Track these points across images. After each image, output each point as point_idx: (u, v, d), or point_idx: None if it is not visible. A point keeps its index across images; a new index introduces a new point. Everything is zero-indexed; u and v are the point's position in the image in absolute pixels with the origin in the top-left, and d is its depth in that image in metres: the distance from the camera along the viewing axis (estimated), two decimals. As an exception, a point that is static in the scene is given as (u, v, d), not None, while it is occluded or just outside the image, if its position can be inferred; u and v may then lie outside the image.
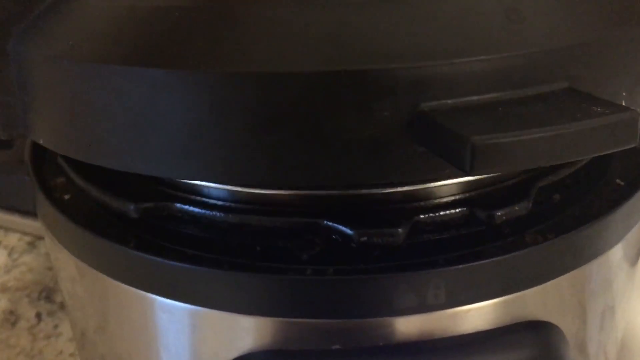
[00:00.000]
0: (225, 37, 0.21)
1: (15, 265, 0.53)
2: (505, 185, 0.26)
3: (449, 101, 0.20)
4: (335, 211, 0.25)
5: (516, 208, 0.25)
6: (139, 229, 0.26)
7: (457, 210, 0.25)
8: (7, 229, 0.57)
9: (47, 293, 0.50)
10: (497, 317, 0.25)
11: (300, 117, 0.20)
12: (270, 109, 0.20)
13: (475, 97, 0.20)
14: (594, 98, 0.21)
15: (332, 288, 0.23)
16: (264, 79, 0.20)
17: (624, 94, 0.23)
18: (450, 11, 0.21)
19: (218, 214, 0.25)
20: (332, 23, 0.21)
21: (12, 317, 0.48)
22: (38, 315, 0.48)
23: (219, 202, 0.26)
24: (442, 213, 0.25)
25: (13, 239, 0.56)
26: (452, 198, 0.25)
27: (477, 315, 0.24)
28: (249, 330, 0.24)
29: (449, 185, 0.25)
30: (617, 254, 0.28)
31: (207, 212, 0.25)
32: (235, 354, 0.25)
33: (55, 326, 0.47)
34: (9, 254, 0.54)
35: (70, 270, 0.29)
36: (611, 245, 0.27)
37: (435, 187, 0.25)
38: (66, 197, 0.29)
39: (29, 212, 0.53)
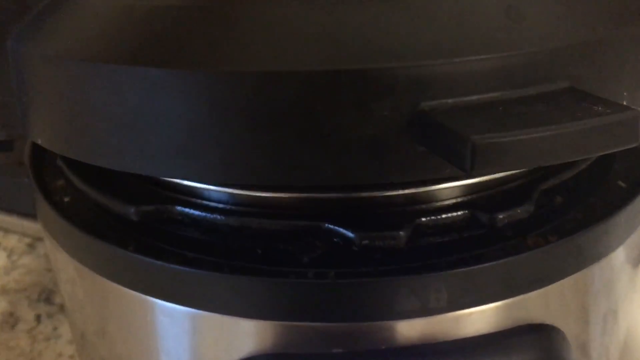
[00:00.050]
0: (223, 36, 0.21)
1: (14, 267, 0.53)
2: (507, 188, 0.26)
3: (449, 100, 0.20)
4: (337, 214, 0.24)
5: (518, 211, 0.25)
6: (139, 232, 0.26)
7: (459, 213, 0.25)
8: (7, 231, 0.56)
9: (46, 295, 0.50)
10: (499, 321, 0.25)
11: (299, 116, 0.20)
12: (269, 108, 0.20)
13: (475, 97, 0.20)
14: (595, 97, 0.21)
15: (333, 291, 0.23)
16: (263, 78, 0.20)
17: (625, 93, 0.23)
18: (451, 10, 0.21)
19: (218, 216, 0.25)
20: (331, 22, 0.21)
21: (12, 319, 0.48)
22: (37, 317, 0.48)
23: (220, 205, 0.26)
24: (443, 216, 0.25)
25: (12, 240, 0.56)
26: (454, 201, 0.25)
27: (479, 318, 0.24)
28: (249, 333, 0.24)
29: (450, 188, 0.25)
30: (619, 256, 0.27)
31: (208, 215, 0.25)
32: (236, 358, 0.25)
33: (55, 328, 0.47)
34: (9, 256, 0.54)
35: (70, 272, 0.29)
36: (613, 247, 0.27)
37: (436, 189, 0.25)
38: (66, 199, 0.29)
39: (29, 214, 0.53)
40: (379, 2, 0.21)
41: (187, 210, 0.26)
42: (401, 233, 0.24)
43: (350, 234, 0.24)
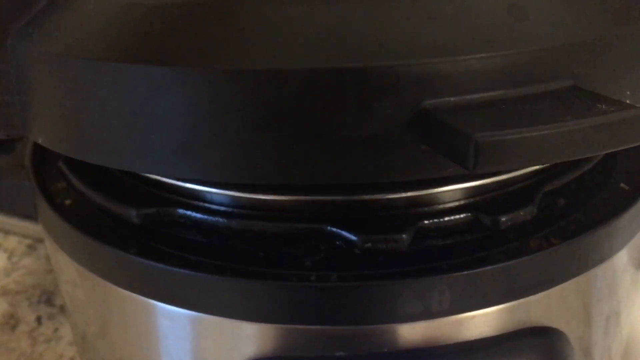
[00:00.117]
0: (225, 34, 0.21)
1: (15, 268, 0.53)
2: (510, 190, 0.26)
3: (452, 99, 0.20)
4: (339, 217, 0.24)
5: (521, 213, 0.25)
6: (141, 235, 0.26)
7: (462, 215, 0.25)
8: (7, 232, 0.56)
9: (47, 296, 0.50)
10: (502, 323, 0.25)
11: (300, 115, 0.20)
12: (270, 106, 0.20)
13: (478, 95, 0.20)
14: (599, 96, 0.21)
15: (335, 294, 0.23)
16: (264, 76, 0.20)
17: (628, 92, 0.23)
18: (453, 8, 0.21)
19: (220, 219, 0.25)
20: (333, 20, 0.21)
21: (12, 321, 0.48)
22: (38, 319, 0.48)
23: (222, 208, 0.26)
24: (446, 218, 0.25)
25: (13, 241, 0.56)
26: (457, 203, 0.25)
27: (481, 321, 0.24)
28: (251, 337, 0.24)
29: (453, 190, 0.25)
30: (622, 258, 0.27)
31: (210, 217, 0.25)
32: (238, 361, 0.25)
33: (56, 330, 0.47)
34: (9, 257, 0.54)
35: (71, 275, 0.29)
36: (616, 250, 0.27)
37: (439, 192, 0.25)
38: (67, 202, 0.29)
39: (29, 215, 0.53)
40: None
41: (188, 212, 0.26)
42: (404, 236, 0.23)
43: (352, 237, 0.24)
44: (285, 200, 0.25)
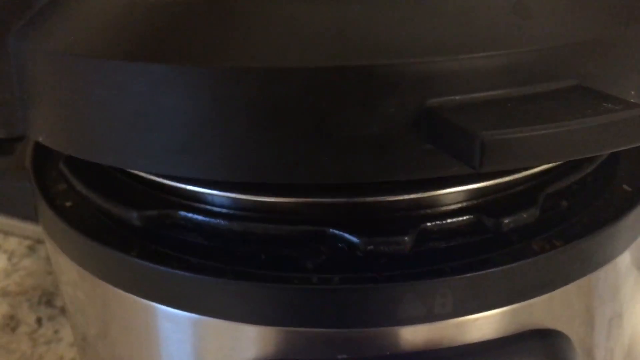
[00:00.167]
0: (228, 31, 0.21)
1: (15, 270, 0.53)
2: (513, 192, 0.26)
3: (456, 97, 0.20)
4: (341, 219, 0.24)
5: (524, 215, 0.25)
6: (142, 237, 0.26)
7: (464, 217, 0.25)
8: (7, 233, 0.56)
9: (47, 298, 0.50)
10: (505, 326, 0.24)
11: (303, 113, 0.20)
12: (273, 105, 0.20)
13: (482, 94, 0.20)
14: (604, 95, 0.20)
15: (338, 297, 0.23)
16: (267, 74, 0.20)
17: (632, 92, 0.23)
18: (458, 6, 0.21)
19: (222, 222, 0.25)
20: (336, 18, 0.21)
21: (13, 322, 0.48)
22: (38, 320, 0.48)
23: (223, 210, 0.26)
24: (449, 221, 0.25)
25: (13, 242, 0.56)
26: (459, 205, 0.25)
27: (484, 324, 0.24)
28: (253, 339, 0.24)
29: (455, 192, 0.25)
30: (625, 260, 0.27)
31: (211, 220, 0.25)
32: (239, 364, 0.25)
33: (56, 331, 0.47)
34: (9, 258, 0.54)
35: (71, 276, 0.29)
36: (619, 251, 0.27)
37: (441, 194, 0.25)
38: (68, 204, 0.29)
39: (29, 216, 0.53)
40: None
41: (190, 215, 0.25)
42: (406, 238, 0.23)
43: (354, 239, 0.24)
44: (286, 203, 0.25)
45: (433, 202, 0.25)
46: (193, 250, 0.25)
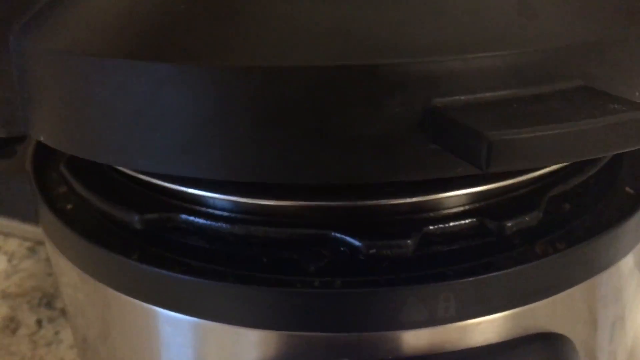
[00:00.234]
0: (231, 30, 0.21)
1: (15, 271, 0.53)
2: (515, 195, 0.26)
3: (462, 97, 0.20)
4: (343, 222, 0.24)
5: (527, 218, 0.24)
6: (143, 241, 0.26)
7: (467, 221, 0.25)
8: (7, 235, 0.56)
9: (47, 299, 0.50)
10: (508, 330, 0.24)
11: (307, 112, 0.20)
12: (277, 104, 0.20)
13: (488, 94, 0.20)
14: (610, 95, 0.20)
15: (339, 301, 0.23)
16: (271, 73, 0.20)
17: (637, 94, 0.23)
18: (463, 5, 0.21)
19: (223, 225, 0.25)
20: (341, 16, 0.20)
21: (13, 324, 0.47)
22: (39, 322, 0.48)
23: (225, 213, 0.25)
24: (451, 224, 0.24)
25: (13, 244, 0.55)
26: (462, 208, 0.25)
27: (487, 327, 0.24)
28: (254, 343, 0.24)
29: (458, 195, 0.25)
30: (628, 263, 0.27)
31: (213, 223, 0.25)
32: (241, 368, 0.25)
33: (56, 333, 0.47)
34: (9, 260, 0.54)
35: (72, 279, 0.29)
36: (622, 254, 0.27)
37: (444, 197, 0.25)
38: (68, 207, 0.29)
39: (29, 218, 0.53)
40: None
41: (191, 218, 0.25)
42: (409, 241, 0.23)
43: (357, 243, 0.23)
44: (288, 206, 0.25)
45: (435, 205, 0.25)
46: (194, 254, 0.25)
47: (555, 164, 0.19)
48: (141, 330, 0.26)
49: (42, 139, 0.25)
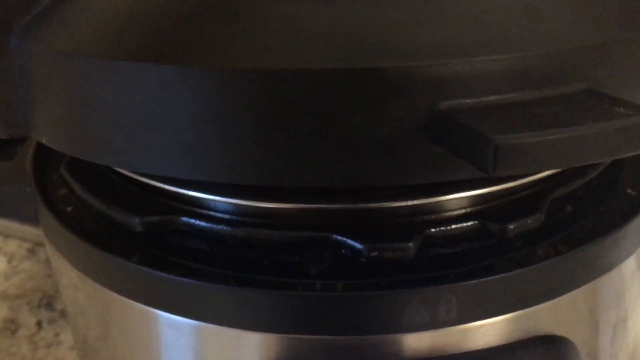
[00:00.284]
0: (235, 32, 0.21)
1: (15, 272, 0.53)
2: (517, 198, 0.26)
3: (468, 100, 0.20)
4: (345, 225, 0.24)
5: (528, 221, 0.24)
6: (144, 243, 0.26)
7: (469, 223, 0.25)
8: (7, 236, 0.56)
9: (47, 301, 0.49)
10: (510, 332, 0.24)
11: (312, 115, 0.20)
12: (281, 107, 0.20)
13: (494, 97, 0.20)
14: (615, 99, 0.20)
15: (341, 303, 0.23)
16: (275, 75, 0.20)
17: (641, 96, 0.23)
18: (468, 9, 0.21)
19: (224, 227, 0.25)
20: (347, 19, 0.20)
21: (13, 326, 0.47)
22: (38, 323, 0.48)
23: (226, 216, 0.25)
24: (453, 226, 0.24)
25: (13, 245, 0.55)
26: (463, 211, 0.25)
27: (489, 330, 0.24)
28: (255, 346, 0.24)
29: (460, 198, 0.25)
30: (630, 265, 0.27)
31: (214, 226, 0.25)
32: (242, 371, 0.24)
33: (56, 334, 0.47)
34: (9, 261, 0.54)
35: (72, 281, 0.29)
36: (624, 257, 0.27)
37: (446, 200, 0.25)
38: (69, 209, 0.29)
39: (29, 219, 0.53)
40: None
41: (192, 221, 0.25)
42: (410, 244, 0.23)
43: (358, 245, 0.23)
44: (290, 208, 0.25)
45: (437, 208, 0.25)
46: (195, 257, 0.25)
47: (561, 168, 0.19)
48: (141, 333, 0.26)
49: (43, 140, 0.25)
